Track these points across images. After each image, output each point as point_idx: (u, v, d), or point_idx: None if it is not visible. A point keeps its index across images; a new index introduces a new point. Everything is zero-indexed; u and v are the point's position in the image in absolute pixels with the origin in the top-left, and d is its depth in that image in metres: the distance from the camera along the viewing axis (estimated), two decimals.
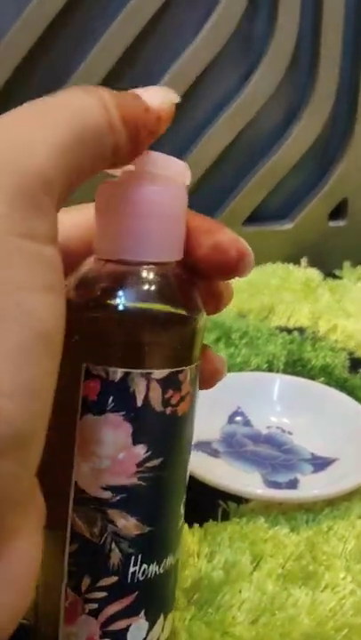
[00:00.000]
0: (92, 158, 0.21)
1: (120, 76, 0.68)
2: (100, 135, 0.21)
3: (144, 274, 0.24)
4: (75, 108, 0.21)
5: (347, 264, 0.80)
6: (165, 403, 0.24)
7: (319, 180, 0.79)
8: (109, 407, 0.24)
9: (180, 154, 0.73)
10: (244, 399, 0.51)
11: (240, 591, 0.33)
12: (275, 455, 0.46)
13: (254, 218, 0.78)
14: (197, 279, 0.26)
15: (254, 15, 0.71)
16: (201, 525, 0.38)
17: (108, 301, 0.24)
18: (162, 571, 0.25)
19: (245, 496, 0.40)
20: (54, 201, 0.20)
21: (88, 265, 0.25)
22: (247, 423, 0.50)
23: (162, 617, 0.26)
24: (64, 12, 0.64)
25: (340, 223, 0.81)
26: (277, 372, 0.56)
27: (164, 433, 0.25)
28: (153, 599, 0.26)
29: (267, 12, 0.71)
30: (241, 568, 0.35)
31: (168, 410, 0.24)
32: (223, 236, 0.25)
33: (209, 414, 0.48)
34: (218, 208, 0.77)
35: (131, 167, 0.25)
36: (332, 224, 0.81)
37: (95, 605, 0.25)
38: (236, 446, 0.47)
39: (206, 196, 0.76)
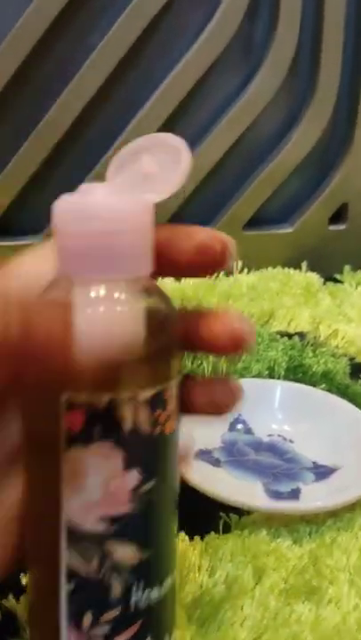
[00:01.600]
0: None
1: (120, 80, 0.68)
2: None
3: (115, 291, 0.22)
4: None
5: (347, 268, 0.79)
6: (154, 423, 0.23)
7: (319, 184, 0.79)
8: (96, 437, 0.22)
9: None
10: (245, 406, 0.50)
11: (242, 607, 0.33)
12: (276, 464, 0.46)
13: (254, 222, 0.77)
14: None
15: (255, 19, 0.70)
16: (202, 538, 0.38)
17: (82, 324, 0.22)
18: (163, 593, 0.25)
19: (247, 508, 0.39)
20: None
21: (53, 286, 0.23)
22: (248, 431, 0.49)
23: (167, 636, 0.26)
24: (64, 13, 0.64)
25: (341, 227, 0.80)
26: (278, 378, 0.56)
27: (155, 454, 0.24)
28: (157, 623, 0.25)
29: (267, 16, 0.70)
30: (243, 583, 0.34)
31: (157, 430, 0.23)
32: (203, 234, 0.24)
33: (209, 422, 0.48)
34: (218, 212, 0.76)
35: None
36: (332, 228, 0.80)
37: None
38: (237, 455, 0.47)
39: (206, 200, 0.75)
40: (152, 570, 0.24)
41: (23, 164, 0.68)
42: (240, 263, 0.76)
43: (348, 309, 0.69)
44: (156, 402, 0.23)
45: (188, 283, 0.74)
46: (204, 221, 0.76)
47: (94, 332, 0.21)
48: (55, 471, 0.23)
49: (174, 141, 0.24)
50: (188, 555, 0.36)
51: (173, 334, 0.24)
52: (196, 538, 0.37)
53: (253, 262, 0.76)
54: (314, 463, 0.45)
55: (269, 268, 0.77)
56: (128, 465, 0.23)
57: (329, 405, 0.49)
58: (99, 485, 0.23)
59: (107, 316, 0.22)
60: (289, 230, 0.79)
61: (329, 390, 0.53)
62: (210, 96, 0.72)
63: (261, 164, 0.76)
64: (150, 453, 0.23)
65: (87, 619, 0.23)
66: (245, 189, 0.76)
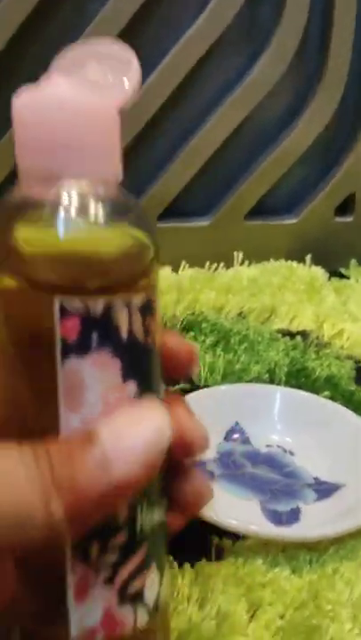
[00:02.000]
0: (8, 538, 0.19)
1: None
2: (27, 529, 0.19)
3: (97, 189, 0.22)
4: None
5: (353, 262, 0.76)
6: (146, 332, 0.22)
7: (326, 172, 0.75)
8: (94, 345, 0.21)
9: (179, 143, 0.69)
10: (242, 414, 0.47)
11: None
12: (275, 479, 0.42)
13: (257, 212, 0.74)
14: None
15: None
16: (192, 565, 0.34)
17: (73, 220, 0.21)
18: (161, 517, 0.24)
19: (240, 533, 0.36)
20: None
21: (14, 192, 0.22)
22: (246, 441, 0.46)
23: (166, 563, 0.25)
24: None
25: (348, 219, 0.77)
26: (279, 382, 0.52)
27: (148, 365, 0.23)
28: (159, 548, 0.24)
29: None
30: (235, 619, 0.31)
31: (149, 339, 0.22)
32: (172, 340, 0.25)
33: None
34: (219, 201, 0.73)
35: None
36: (338, 219, 0.77)
37: (109, 571, 0.22)
38: (232, 467, 0.43)
39: (207, 188, 0.72)
40: (153, 489, 0.23)
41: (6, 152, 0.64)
42: (241, 255, 0.72)
43: (353, 307, 0.65)
44: (147, 308, 0.22)
45: (186, 274, 0.70)
46: (204, 210, 0.73)
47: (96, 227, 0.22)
48: (51, 386, 0.21)
49: (122, 51, 0.24)
50: (176, 584, 0.33)
51: (155, 240, 0.23)
52: (186, 565, 0.34)
53: (255, 254, 0.73)
54: (315, 479, 0.42)
55: (271, 261, 0.73)
56: (126, 376, 0.22)
57: (333, 415, 0.46)
58: (99, 399, 0.21)
59: (106, 213, 0.22)
60: (293, 221, 0.75)
61: (333, 398, 0.49)
62: (210, 79, 0.68)
63: (265, 152, 0.72)
64: (145, 364, 0.23)
65: (95, 548, 0.22)
66: (248, 177, 0.72)
